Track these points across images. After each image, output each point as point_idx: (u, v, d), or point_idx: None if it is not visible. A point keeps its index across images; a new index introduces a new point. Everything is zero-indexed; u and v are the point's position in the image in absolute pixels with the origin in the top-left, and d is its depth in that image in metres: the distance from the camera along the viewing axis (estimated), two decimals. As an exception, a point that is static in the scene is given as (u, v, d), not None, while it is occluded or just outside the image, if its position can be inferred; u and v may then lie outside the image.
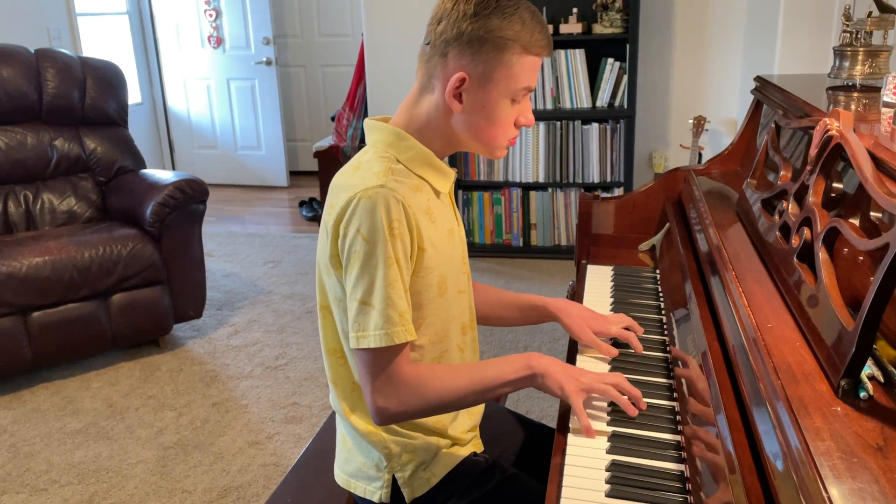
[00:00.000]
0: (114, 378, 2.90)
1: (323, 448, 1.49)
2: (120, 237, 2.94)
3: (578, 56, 3.88)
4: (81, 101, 3.31)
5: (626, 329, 1.34)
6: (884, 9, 1.44)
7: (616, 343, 1.32)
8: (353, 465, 1.23)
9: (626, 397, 1.11)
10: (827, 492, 0.64)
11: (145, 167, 3.43)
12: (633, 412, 1.10)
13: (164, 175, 3.17)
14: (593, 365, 1.29)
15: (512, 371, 1.12)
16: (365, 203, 1.03)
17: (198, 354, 3.09)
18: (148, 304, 2.99)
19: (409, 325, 1.05)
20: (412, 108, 1.14)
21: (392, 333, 1.03)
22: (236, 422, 2.58)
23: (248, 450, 2.41)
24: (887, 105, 1.28)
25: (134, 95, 5.44)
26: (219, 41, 5.63)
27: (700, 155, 3.88)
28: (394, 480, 1.19)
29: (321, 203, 5.00)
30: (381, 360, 1.06)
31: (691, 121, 3.86)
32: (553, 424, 1.46)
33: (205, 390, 2.80)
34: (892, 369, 0.81)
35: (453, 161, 4.08)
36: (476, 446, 1.28)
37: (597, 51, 3.94)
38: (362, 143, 1.20)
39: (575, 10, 3.89)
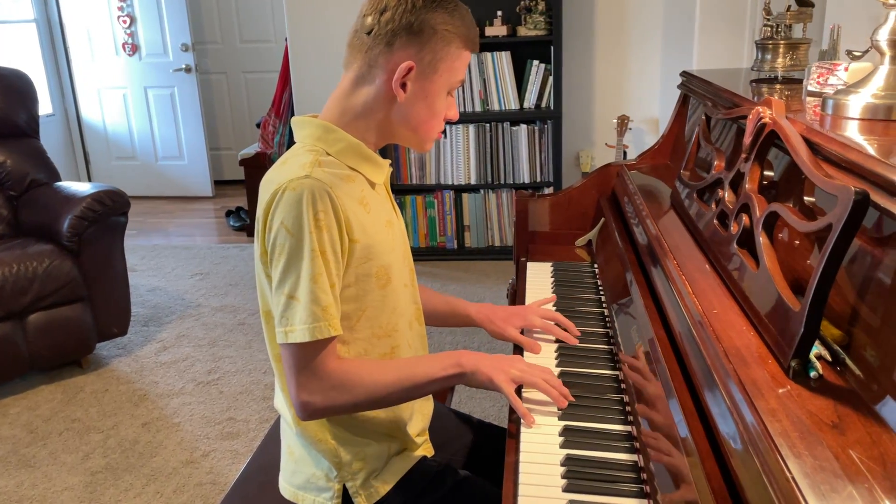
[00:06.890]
0: (33, 402, 2.74)
1: (265, 462, 1.43)
2: (35, 253, 2.78)
3: (505, 58, 3.90)
4: (-13, 112, 3.13)
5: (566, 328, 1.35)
6: (802, 3, 1.49)
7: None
8: (301, 476, 1.19)
9: (555, 391, 1.13)
10: (790, 471, 0.64)
11: (60, 180, 3.26)
12: (563, 404, 1.12)
13: (81, 187, 3.02)
14: (539, 361, 1.28)
15: (441, 369, 1.12)
16: (290, 195, 1.00)
17: (124, 373, 2.95)
18: (68, 323, 2.84)
19: (334, 319, 1.03)
20: (345, 99, 1.12)
21: (315, 329, 1.01)
22: (168, 441, 2.47)
23: (182, 469, 2.31)
24: (812, 94, 1.32)
25: (45, 106, 5.18)
26: (134, 48, 5.42)
27: (625, 153, 3.96)
28: (344, 490, 1.16)
29: (248, 212, 4.87)
30: (306, 355, 1.03)
31: (615, 120, 3.94)
32: (498, 423, 1.46)
33: (133, 410, 2.67)
34: (839, 348, 0.82)
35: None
36: (427, 450, 1.26)
37: (522, 53, 3.97)
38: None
39: (500, 12, 3.92)
